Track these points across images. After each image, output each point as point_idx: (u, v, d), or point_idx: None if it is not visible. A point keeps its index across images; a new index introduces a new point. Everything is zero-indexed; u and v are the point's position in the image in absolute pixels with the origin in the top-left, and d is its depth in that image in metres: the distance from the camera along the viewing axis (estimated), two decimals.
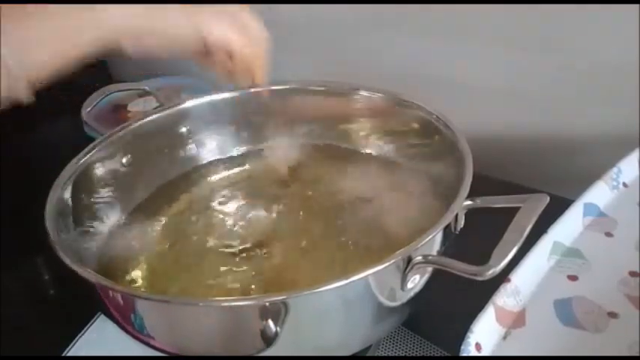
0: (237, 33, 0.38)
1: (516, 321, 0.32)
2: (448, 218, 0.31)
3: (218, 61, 0.39)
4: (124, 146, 0.44)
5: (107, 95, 0.50)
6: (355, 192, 0.45)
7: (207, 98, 0.48)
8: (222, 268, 0.38)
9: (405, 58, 0.56)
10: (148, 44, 0.35)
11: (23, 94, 0.32)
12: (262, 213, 0.44)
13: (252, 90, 0.49)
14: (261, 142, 0.51)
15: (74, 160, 0.40)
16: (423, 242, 0.29)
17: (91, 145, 0.42)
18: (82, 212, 0.40)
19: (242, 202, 0.46)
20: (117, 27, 0.34)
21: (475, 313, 0.31)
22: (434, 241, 0.31)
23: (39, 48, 0.32)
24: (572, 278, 0.34)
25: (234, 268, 0.38)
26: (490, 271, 0.27)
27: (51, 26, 0.32)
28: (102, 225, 0.42)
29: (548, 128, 0.51)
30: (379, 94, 0.46)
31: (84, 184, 0.40)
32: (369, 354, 0.36)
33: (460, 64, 0.53)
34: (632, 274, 0.34)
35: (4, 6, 0.30)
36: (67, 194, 0.38)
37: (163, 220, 0.44)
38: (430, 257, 0.30)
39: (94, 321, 0.40)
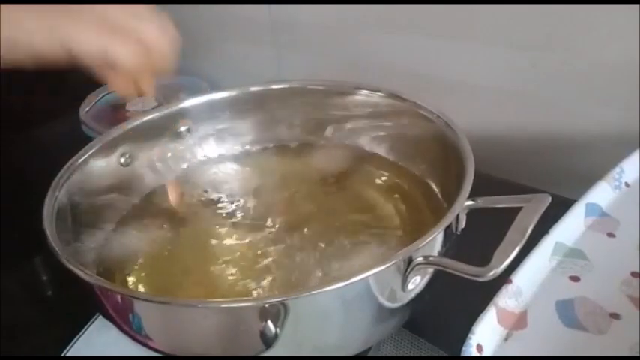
0: (118, 45, 0.31)
1: (518, 322, 0.32)
2: (449, 219, 0.31)
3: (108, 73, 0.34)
4: (122, 146, 0.44)
5: (105, 95, 0.50)
6: (352, 191, 0.45)
7: (205, 97, 0.48)
8: (222, 268, 0.38)
9: (405, 58, 0.56)
10: (15, 55, 0.30)
11: None
12: (263, 212, 0.44)
13: (252, 89, 0.48)
14: (260, 141, 0.51)
15: (72, 160, 0.40)
16: (424, 243, 0.29)
17: (90, 145, 0.42)
18: (80, 212, 0.39)
19: (242, 201, 0.45)
20: None
21: (476, 314, 0.30)
22: (435, 242, 0.31)
23: None
24: (574, 279, 0.34)
25: (234, 268, 0.38)
26: (491, 272, 0.27)
27: None
28: (100, 225, 0.42)
29: (549, 128, 0.51)
30: (380, 93, 0.45)
31: (82, 183, 0.40)
32: (370, 355, 0.36)
33: (460, 63, 0.53)
34: (634, 274, 0.34)
35: None
36: (65, 194, 0.38)
37: (163, 219, 0.44)
38: (431, 258, 0.30)
39: (93, 321, 0.40)
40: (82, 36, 0.30)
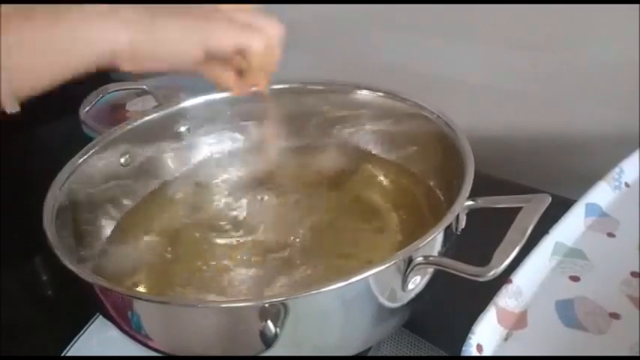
0: (252, 36, 0.34)
1: (518, 322, 0.32)
2: (449, 219, 0.31)
3: (229, 64, 0.37)
4: (122, 146, 0.44)
5: (105, 95, 0.50)
6: (352, 191, 0.45)
7: (205, 97, 0.48)
8: (221, 269, 0.38)
9: (405, 58, 0.56)
10: (145, 61, 0.32)
11: (8, 104, 0.30)
12: (263, 213, 0.44)
13: (252, 89, 0.48)
14: (260, 141, 0.51)
15: (72, 160, 0.40)
16: (424, 243, 0.29)
17: (90, 145, 0.42)
18: (80, 212, 0.39)
19: (241, 200, 0.45)
20: (114, 42, 0.31)
21: (476, 314, 0.30)
22: (435, 242, 0.31)
23: (30, 59, 0.30)
24: (574, 279, 0.34)
25: (233, 267, 0.38)
26: (492, 272, 0.27)
27: (44, 37, 0.29)
28: (100, 225, 0.42)
29: (549, 128, 0.51)
30: (380, 93, 0.45)
31: (83, 183, 0.40)
32: (370, 355, 0.36)
33: (460, 63, 0.53)
34: (634, 274, 0.34)
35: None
36: (65, 194, 0.38)
37: (163, 219, 0.44)
38: (431, 258, 0.30)
39: (93, 321, 0.40)
40: (219, 32, 0.33)
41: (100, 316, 0.40)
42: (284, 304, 0.27)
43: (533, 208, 0.30)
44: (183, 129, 0.48)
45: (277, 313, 0.28)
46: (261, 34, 0.34)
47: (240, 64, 0.37)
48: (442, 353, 0.36)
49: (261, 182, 0.47)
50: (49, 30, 0.30)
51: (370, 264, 0.28)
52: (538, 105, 0.50)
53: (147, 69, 0.33)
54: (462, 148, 0.37)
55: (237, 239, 0.41)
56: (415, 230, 0.40)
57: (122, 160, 0.44)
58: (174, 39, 0.33)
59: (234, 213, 0.44)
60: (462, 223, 0.34)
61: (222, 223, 0.43)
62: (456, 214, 0.31)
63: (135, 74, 0.33)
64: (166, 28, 0.32)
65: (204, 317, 0.29)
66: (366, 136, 0.48)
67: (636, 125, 0.45)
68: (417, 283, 0.31)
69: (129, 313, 0.30)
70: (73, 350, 0.38)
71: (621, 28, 0.43)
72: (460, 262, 0.28)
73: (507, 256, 0.27)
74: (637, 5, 0.41)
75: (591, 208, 0.38)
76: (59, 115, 0.67)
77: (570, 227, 0.37)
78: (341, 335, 0.31)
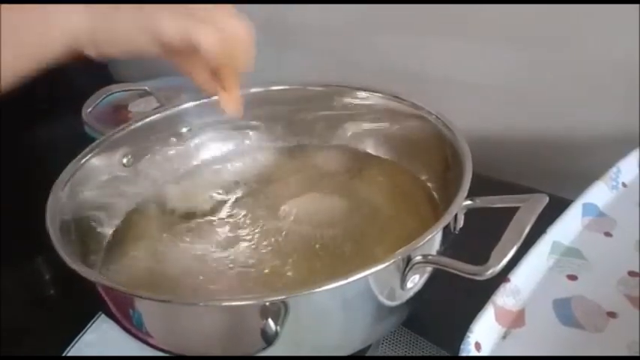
0: (200, 28, 0.32)
1: (516, 321, 0.32)
2: (448, 218, 0.31)
3: (193, 63, 0.36)
4: (124, 146, 0.44)
5: (108, 95, 0.50)
6: (351, 191, 0.45)
7: (207, 98, 0.48)
8: (222, 268, 0.39)
9: (405, 58, 0.56)
10: (104, 47, 0.34)
11: None
12: (263, 213, 0.44)
13: (252, 90, 0.49)
14: (261, 142, 0.51)
15: (75, 161, 0.40)
16: (423, 242, 0.29)
17: (92, 146, 0.42)
18: (82, 212, 0.40)
19: (241, 201, 0.46)
20: (76, 27, 0.33)
21: (475, 312, 0.31)
22: (433, 241, 0.31)
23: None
24: (572, 278, 0.34)
25: (233, 269, 0.38)
26: (490, 271, 0.27)
27: (13, 25, 0.31)
28: (102, 224, 0.42)
29: (547, 128, 0.51)
30: (379, 94, 0.46)
31: (85, 183, 0.40)
32: (369, 354, 0.36)
33: (460, 63, 0.53)
34: (632, 274, 0.34)
35: None
36: (68, 194, 0.38)
37: (164, 219, 0.44)
38: (430, 257, 0.30)
39: (95, 321, 0.40)
40: (165, 21, 0.32)
41: (102, 316, 0.40)
42: (284, 303, 0.28)
43: (531, 207, 0.30)
44: (184, 130, 0.48)
45: (277, 311, 0.28)
46: (211, 28, 0.32)
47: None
48: (441, 352, 0.36)
49: (261, 183, 0.48)
50: (22, 14, 0.32)
51: (369, 264, 0.28)
52: (536, 105, 0.51)
53: (108, 55, 0.34)
54: (460, 148, 0.37)
55: (237, 240, 0.41)
56: (414, 230, 0.40)
57: (124, 161, 0.44)
58: (126, 26, 0.33)
59: (235, 212, 0.44)
60: (460, 223, 0.34)
61: (222, 223, 0.43)
62: (454, 213, 0.32)
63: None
64: (121, 16, 0.33)
65: (205, 315, 0.30)
66: (364, 137, 0.49)
67: (636, 125, 0.45)
68: (415, 281, 0.31)
69: (130, 311, 0.31)
70: (74, 350, 0.39)
71: (621, 28, 0.43)
72: (458, 261, 0.29)
73: (505, 256, 0.28)
74: (637, 5, 0.42)
75: (588, 208, 0.38)
76: (62, 116, 0.68)
77: (568, 227, 0.37)
78: (340, 333, 0.32)
